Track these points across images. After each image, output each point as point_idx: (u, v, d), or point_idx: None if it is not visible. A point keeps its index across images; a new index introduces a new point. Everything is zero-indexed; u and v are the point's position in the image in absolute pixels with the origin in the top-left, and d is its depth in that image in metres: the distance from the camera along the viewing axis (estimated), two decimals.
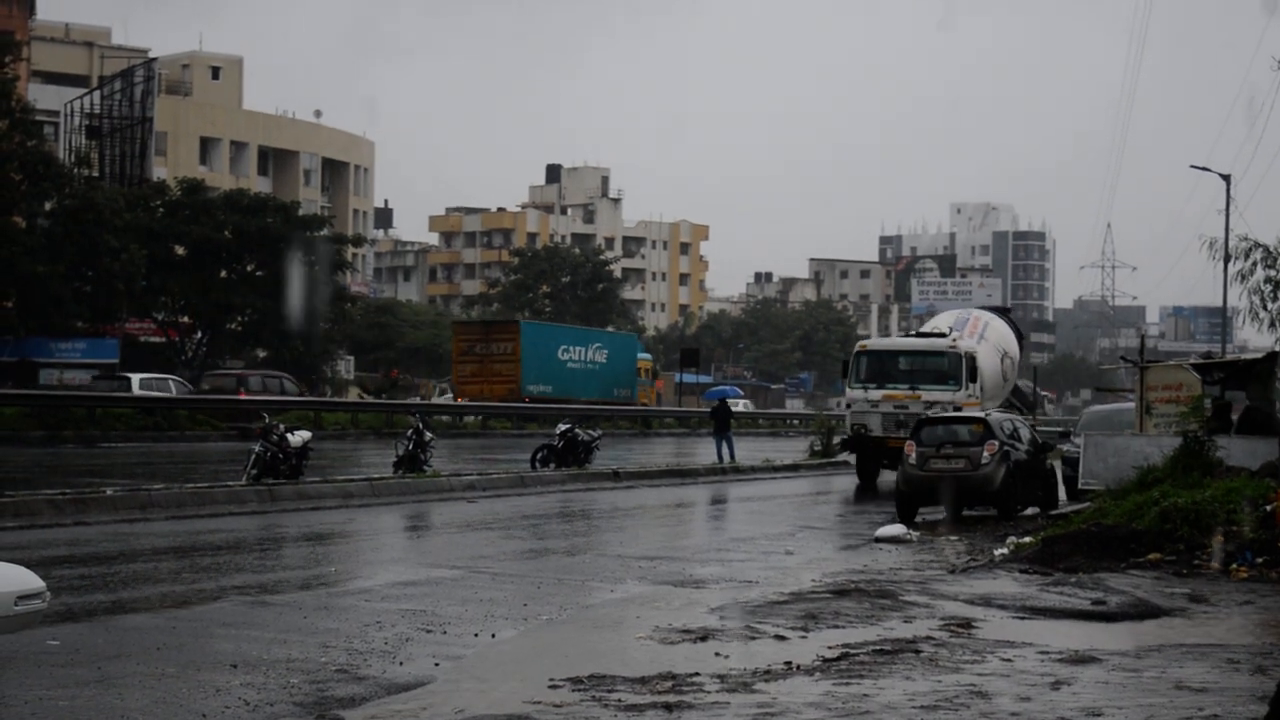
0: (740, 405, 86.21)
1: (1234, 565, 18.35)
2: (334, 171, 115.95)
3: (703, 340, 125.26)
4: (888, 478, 36.48)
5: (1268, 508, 19.50)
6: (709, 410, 52.03)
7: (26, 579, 10.85)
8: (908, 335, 44.59)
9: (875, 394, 36.69)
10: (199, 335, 70.30)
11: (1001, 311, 44.68)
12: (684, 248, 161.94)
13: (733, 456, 43.61)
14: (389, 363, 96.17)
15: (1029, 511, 28.22)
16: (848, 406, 37.74)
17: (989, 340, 39.94)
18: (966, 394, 35.88)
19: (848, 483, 39.59)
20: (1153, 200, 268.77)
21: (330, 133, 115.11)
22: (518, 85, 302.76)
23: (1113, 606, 15.80)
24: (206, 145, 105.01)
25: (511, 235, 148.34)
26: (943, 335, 38.31)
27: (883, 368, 37.23)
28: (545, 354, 61.82)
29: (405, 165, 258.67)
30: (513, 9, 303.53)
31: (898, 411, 36.21)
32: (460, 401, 63.03)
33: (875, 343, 41.58)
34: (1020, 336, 43.70)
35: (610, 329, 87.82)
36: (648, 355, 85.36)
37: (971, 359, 36.82)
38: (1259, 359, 28.34)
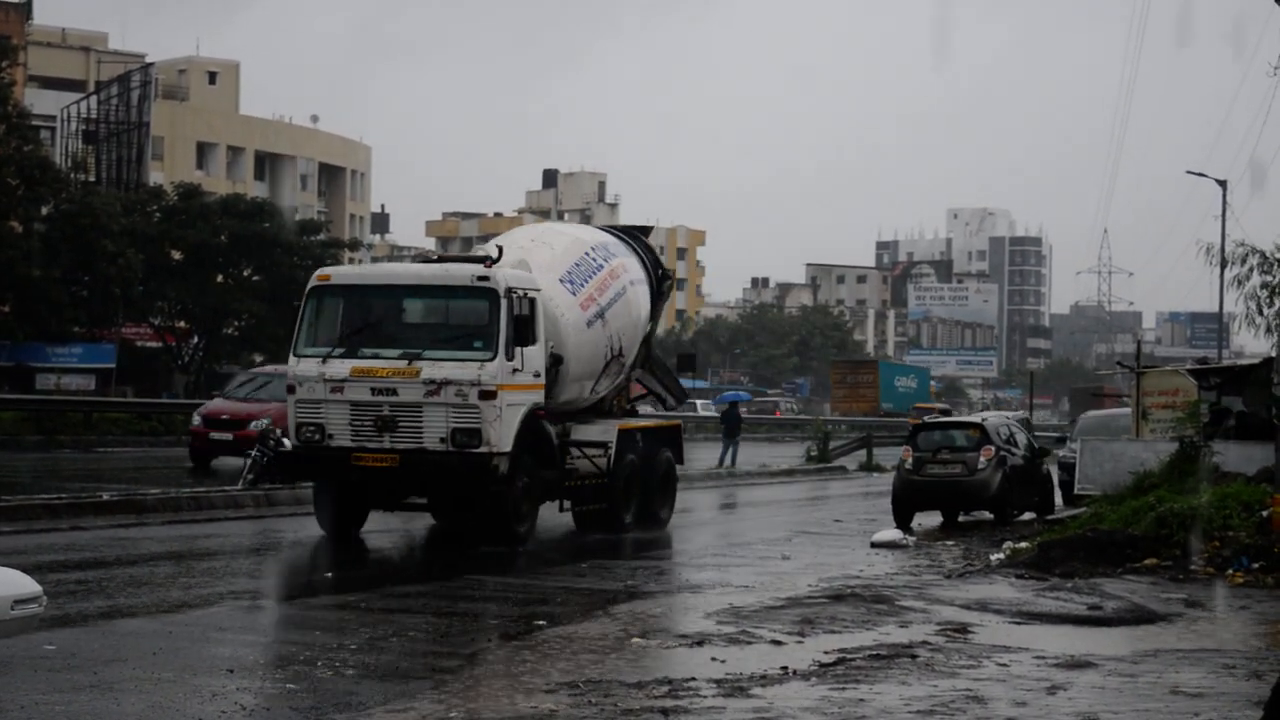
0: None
1: (1229, 570, 18.37)
2: (330, 176, 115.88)
3: (699, 345, 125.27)
4: (380, 529, 22.99)
5: (1264, 513, 19.53)
6: (720, 415, 52.09)
7: (22, 583, 10.84)
8: (416, 260, 26.27)
9: (340, 367, 20.57)
10: (195, 340, 70.23)
11: (634, 238, 26.07)
12: (681, 253, 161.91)
13: (734, 461, 43.66)
14: None
15: (1025, 516, 28.25)
16: (290, 391, 21.12)
17: (622, 312, 24.07)
18: (510, 368, 20.33)
19: (844, 487, 39.61)
20: (1150, 205, 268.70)
21: (327, 138, 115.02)
22: (514, 90, 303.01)
23: (1109, 612, 15.82)
24: (203, 150, 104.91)
25: None
26: (479, 260, 21.89)
27: (363, 318, 21.33)
28: (889, 382, 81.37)
29: (402, 170, 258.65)
30: (509, 14, 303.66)
31: (380, 400, 20.38)
32: (835, 415, 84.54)
33: (345, 273, 24.20)
34: (663, 279, 26.35)
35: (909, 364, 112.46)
36: (934, 383, 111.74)
37: (527, 305, 20.91)
38: (1255, 365, 28.37)
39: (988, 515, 27.75)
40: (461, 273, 21.17)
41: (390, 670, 11.88)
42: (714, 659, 12.54)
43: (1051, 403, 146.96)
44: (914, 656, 12.74)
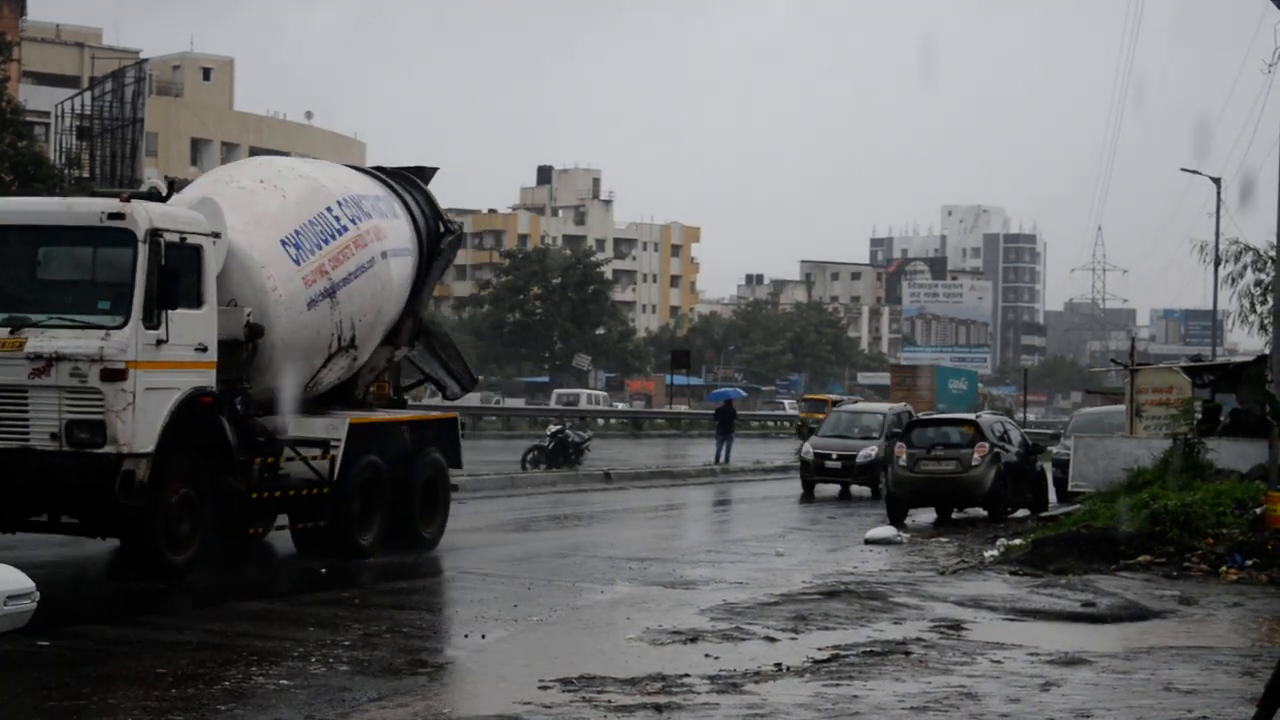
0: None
1: (1223, 568, 18.40)
2: None
3: (694, 342, 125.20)
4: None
5: (1257, 510, 19.55)
6: (713, 412, 52.50)
7: (16, 579, 10.85)
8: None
9: None
10: None
11: (409, 186, 20.84)
12: (675, 249, 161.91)
13: (728, 458, 43.78)
14: None
15: (1019, 514, 28.25)
16: None
17: (364, 291, 18.60)
18: (152, 339, 15.45)
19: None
20: (1144, 203, 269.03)
21: (321, 134, 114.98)
22: (509, 86, 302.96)
23: (1102, 608, 15.83)
24: (197, 146, 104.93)
25: (503, 237, 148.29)
26: (115, 194, 16.64)
27: None
28: (943, 385, 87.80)
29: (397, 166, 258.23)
30: (504, 10, 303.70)
31: None
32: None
33: None
34: (442, 236, 20.85)
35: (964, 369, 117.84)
36: (980, 385, 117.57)
37: (187, 254, 16.01)
38: (1249, 362, 28.41)
39: (982, 512, 27.76)
40: (88, 209, 15.90)
41: (384, 666, 11.88)
42: (708, 655, 12.54)
43: (1045, 400, 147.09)
44: (908, 653, 12.75)
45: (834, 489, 34.95)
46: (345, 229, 18.31)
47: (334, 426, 18.14)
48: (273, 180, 18.47)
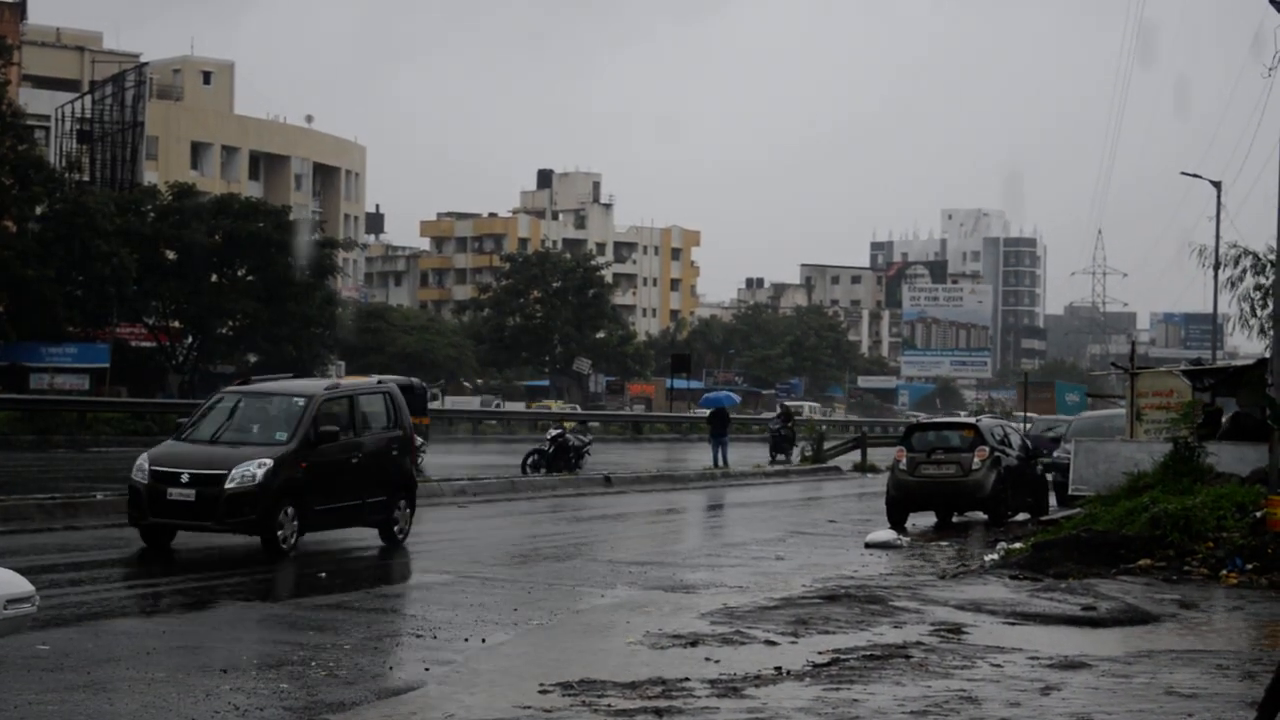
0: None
1: (1223, 571, 18.39)
2: (325, 176, 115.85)
3: (694, 346, 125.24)
4: None
5: (1257, 514, 19.54)
6: (706, 416, 52.68)
7: (16, 583, 10.82)
8: None
9: None
10: (189, 340, 70.22)
11: None
12: (675, 253, 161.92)
13: (726, 461, 43.85)
14: (380, 368, 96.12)
15: (1020, 517, 28.25)
16: None
17: None
18: None
19: (838, 488, 39.68)
20: (1144, 207, 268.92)
21: (321, 137, 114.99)
22: (509, 90, 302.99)
23: (1103, 612, 15.83)
24: (198, 150, 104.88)
25: (503, 240, 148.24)
26: None
27: None
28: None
29: (397, 170, 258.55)
30: (504, 14, 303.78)
31: None
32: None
33: None
34: None
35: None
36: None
37: None
38: (1249, 366, 28.39)
39: (982, 516, 27.76)
40: None
41: (384, 668, 11.87)
42: (708, 659, 12.54)
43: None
44: (908, 657, 12.75)
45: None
46: None
47: None
48: None
